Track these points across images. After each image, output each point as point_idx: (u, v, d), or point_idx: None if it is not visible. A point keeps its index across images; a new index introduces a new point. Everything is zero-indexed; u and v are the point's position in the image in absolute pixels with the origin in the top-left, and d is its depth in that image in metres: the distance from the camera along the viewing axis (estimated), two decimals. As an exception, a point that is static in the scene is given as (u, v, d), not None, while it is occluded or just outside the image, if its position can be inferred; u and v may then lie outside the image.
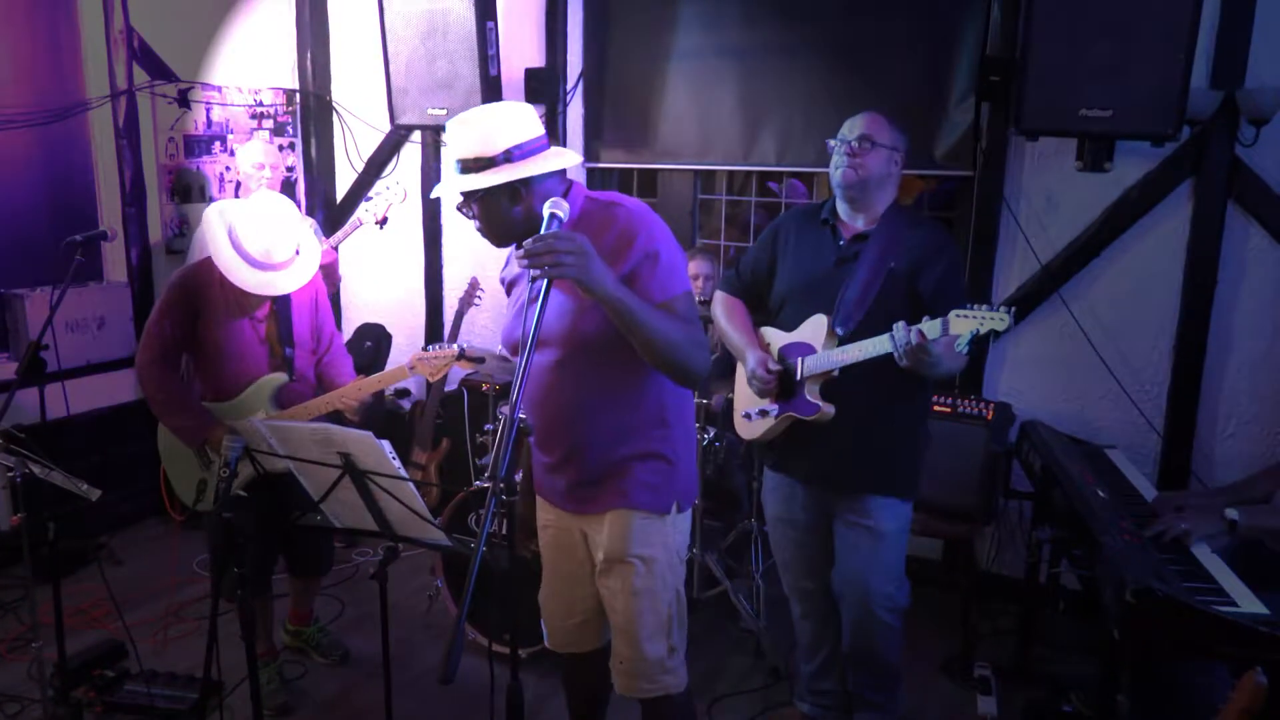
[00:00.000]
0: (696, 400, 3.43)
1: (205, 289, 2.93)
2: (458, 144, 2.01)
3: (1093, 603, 2.52)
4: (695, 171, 4.53)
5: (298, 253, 2.94)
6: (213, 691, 2.58)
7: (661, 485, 2.16)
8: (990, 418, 3.36)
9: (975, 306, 2.20)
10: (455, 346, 2.93)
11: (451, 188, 2.02)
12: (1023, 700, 3.20)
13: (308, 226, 3.16)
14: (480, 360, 3.07)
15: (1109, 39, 3.10)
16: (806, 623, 2.91)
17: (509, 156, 1.98)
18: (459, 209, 2.09)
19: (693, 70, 4.30)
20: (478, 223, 2.08)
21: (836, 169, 2.55)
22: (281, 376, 3.01)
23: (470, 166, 1.99)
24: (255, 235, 2.84)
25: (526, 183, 2.01)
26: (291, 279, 2.92)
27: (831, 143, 2.58)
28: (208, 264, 2.90)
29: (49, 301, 3.10)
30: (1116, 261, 3.64)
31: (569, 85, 4.53)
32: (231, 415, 2.93)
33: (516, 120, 2.01)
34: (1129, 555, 2.35)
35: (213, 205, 2.94)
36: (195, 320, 2.92)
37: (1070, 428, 3.58)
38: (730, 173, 4.53)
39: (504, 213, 2.02)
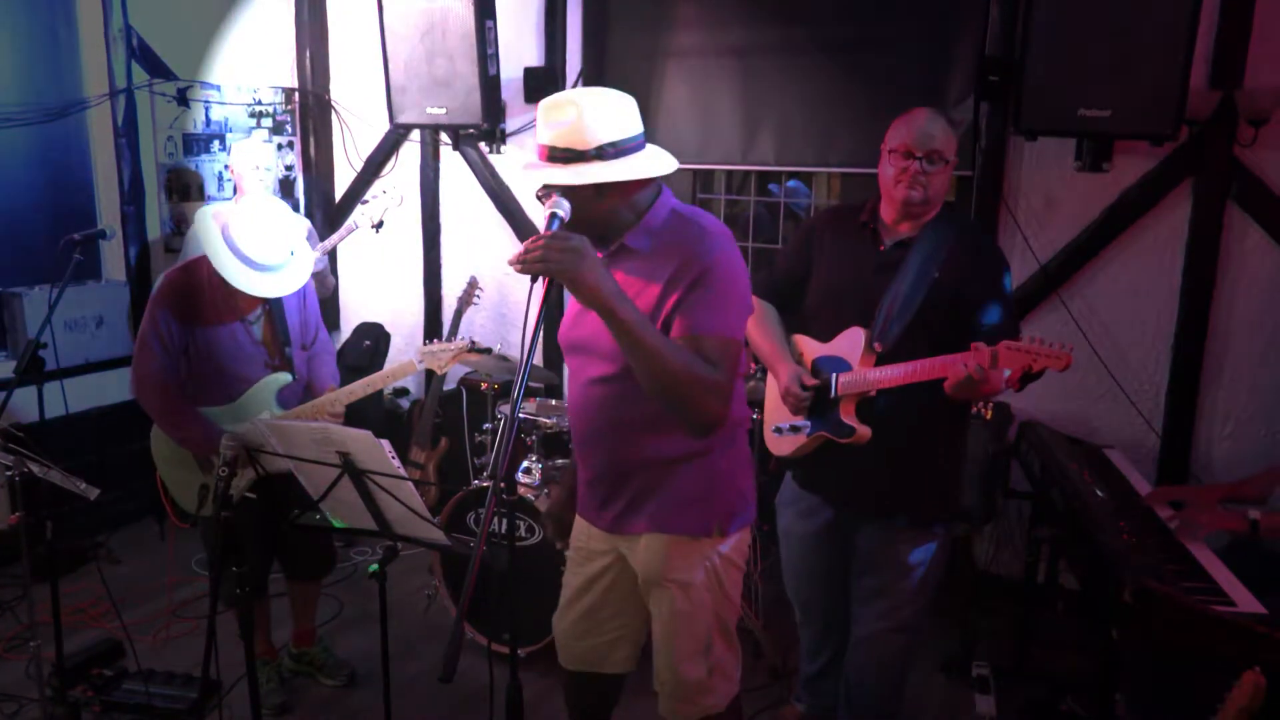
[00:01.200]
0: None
1: (195, 292, 2.86)
2: (549, 129, 1.86)
3: (1091, 602, 2.51)
4: (694, 171, 4.53)
5: (293, 254, 2.91)
6: (211, 691, 2.58)
7: (701, 508, 2.05)
8: (989, 417, 3.36)
9: (1031, 339, 2.10)
10: (465, 339, 2.94)
11: (537, 179, 1.86)
12: (1021, 699, 3.20)
13: (302, 229, 3.14)
14: (486, 350, 3.09)
15: (1108, 39, 3.11)
16: (807, 630, 2.89)
17: (601, 153, 1.83)
18: (537, 196, 1.91)
19: (692, 70, 4.29)
20: None
21: (898, 184, 2.35)
22: (285, 376, 2.97)
23: (559, 157, 1.84)
24: (251, 237, 2.80)
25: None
26: (288, 280, 2.89)
27: (890, 151, 2.38)
28: (193, 266, 2.86)
29: (47, 300, 3.09)
30: (1115, 261, 3.64)
31: (568, 85, 4.53)
32: (232, 419, 2.89)
33: (614, 114, 1.86)
34: (1128, 555, 2.35)
35: (205, 207, 2.91)
36: (189, 324, 2.85)
37: (1069, 428, 3.58)
38: (729, 172, 4.52)
39: (585, 207, 1.85)
